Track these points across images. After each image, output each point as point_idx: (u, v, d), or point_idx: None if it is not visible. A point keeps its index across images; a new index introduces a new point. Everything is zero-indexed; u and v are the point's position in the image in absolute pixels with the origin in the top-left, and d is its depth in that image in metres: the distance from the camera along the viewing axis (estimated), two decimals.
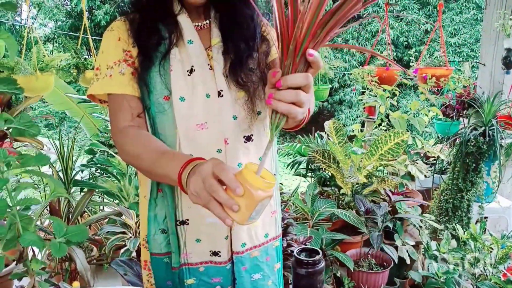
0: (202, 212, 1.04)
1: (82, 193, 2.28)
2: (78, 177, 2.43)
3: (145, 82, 1.00)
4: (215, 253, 1.08)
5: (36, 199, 0.69)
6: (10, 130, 0.73)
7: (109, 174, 2.46)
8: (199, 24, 1.06)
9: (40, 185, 2.51)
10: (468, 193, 2.45)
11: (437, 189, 2.69)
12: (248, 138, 1.05)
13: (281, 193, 2.24)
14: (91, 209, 2.55)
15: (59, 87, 3.35)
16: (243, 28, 1.03)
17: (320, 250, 0.99)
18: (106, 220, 2.32)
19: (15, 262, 0.64)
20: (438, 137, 2.90)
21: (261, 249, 1.12)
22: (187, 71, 1.01)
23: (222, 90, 1.02)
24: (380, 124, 2.88)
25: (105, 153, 2.54)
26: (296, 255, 0.97)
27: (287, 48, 0.68)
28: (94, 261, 2.37)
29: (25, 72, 2.21)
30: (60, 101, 3.42)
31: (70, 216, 2.20)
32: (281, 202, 2.10)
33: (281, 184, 2.90)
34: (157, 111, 1.00)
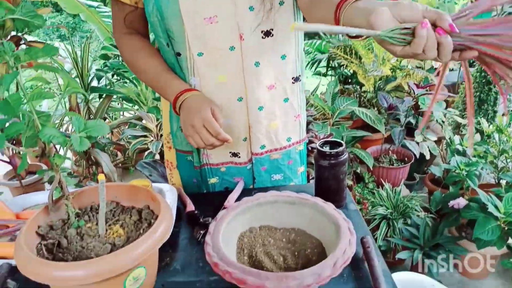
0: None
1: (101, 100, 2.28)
2: (95, 84, 2.42)
3: None
4: (234, 154, 1.07)
5: (50, 93, 0.66)
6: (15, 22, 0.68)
7: (125, 80, 2.43)
8: None
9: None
10: (496, 86, 2.35)
11: (463, 82, 2.59)
12: (267, 33, 0.93)
13: None
14: (112, 116, 2.58)
15: None
16: None
17: (342, 142, 0.97)
18: (127, 126, 2.36)
19: (38, 159, 0.64)
20: None
21: (282, 152, 1.09)
22: None
23: None
24: None
25: (119, 58, 2.48)
26: (319, 147, 0.95)
27: None
28: (120, 165, 2.46)
29: None
30: (73, 4, 3.28)
31: None
32: None
33: None
34: (163, 6, 0.91)
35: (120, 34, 1.01)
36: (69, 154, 2.51)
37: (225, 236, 0.74)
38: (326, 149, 0.94)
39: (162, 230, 0.65)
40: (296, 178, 1.15)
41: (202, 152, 1.07)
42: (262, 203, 0.82)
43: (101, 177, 0.63)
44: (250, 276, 0.63)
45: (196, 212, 0.98)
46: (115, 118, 2.51)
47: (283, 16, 0.94)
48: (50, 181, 0.73)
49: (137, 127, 2.08)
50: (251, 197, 0.83)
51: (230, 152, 1.07)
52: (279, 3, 0.93)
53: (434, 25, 0.59)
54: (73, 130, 0.65)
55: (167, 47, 0.96)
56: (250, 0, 0.90)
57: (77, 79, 2.21)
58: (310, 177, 1.78)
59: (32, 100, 0.64)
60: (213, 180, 1.11)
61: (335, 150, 0.93)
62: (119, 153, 2.43)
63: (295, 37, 1.00)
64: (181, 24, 0.91)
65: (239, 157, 1.07)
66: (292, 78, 1.03)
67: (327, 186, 0.97)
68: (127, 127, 2.33)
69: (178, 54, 0.97)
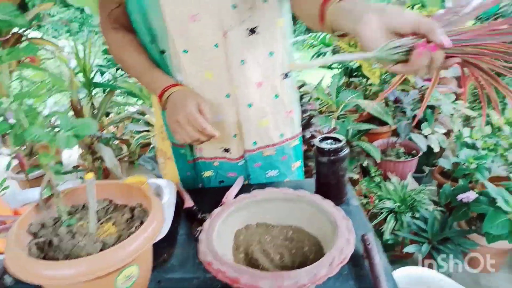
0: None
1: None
2: (99, 80, 2.41)
3: None
4: (226, 150, 1.06)
5: (35, 92, 0.65)
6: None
7: (128, 75, 2.41)
8: None
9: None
10: (506, 77, 2.28)
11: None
12: (252, 31, 0.92)
13: (302, 86, 2.15)
14: (116, 110, 2.58)
15: None
16: None
17: (342, 137, 0.94)
18: (131, 120, 2.35)
19: (27, 158, 0.62)
20: (477, 18, 2.63)
21: (276, 148, 1.07)
22: None
23: None
24: (412, 7, 2.63)
25: None
26: (317, 144, 0.93)
27: None
28: (126, 158, 2.46)
29: None
30: None
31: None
32: (304, 95, 2.02)
33: (303, 80, 2.78)
34: (145, 4, 0.89)
35: (107, 29, 0.99)
36: (76, 148, 2.52)
37: (220, 234, 0.73)
38: (326, 145, 0.92)
39: (153, 228, 0.64)
40: (291, 174, 1.13)
41: (195, 146, 1.06)
42: (259, 200, 0.80)
43: (88, 176, 0.62)
44: (243, 275, 0.61)
45: (194, 208, 0.97)
46: (119, 113, 2.50)
47: (268, 13, 0.93)
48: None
49: (140, 121, 2.07)
50: (247, 194, 0.81)
51: (221, 148, 1.06)
52: (263, 0, 0.91)
53: (426, 38, 0.55)
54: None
55: (151, 45, 0.95)
56: None
57: (80, 75, 2.21)
58: (313, 172, 1.76)
59: (18, 99, 0.63)
60: (207, 173, 1.10)
61: (334, 146, 0.90)
62: (125, 147, 2.43)
63: (282, 32, 0.97)
64: (164, 22, 0.89)
65: (230, 153, 1.06)
66: (281, 74, 1.01)
67: (327, 182, 0.95)
68: (130, 121, 2.33)
69: (163, 52, 0.95)
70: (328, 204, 0.76)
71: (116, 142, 2.40)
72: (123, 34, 0.98)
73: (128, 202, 0.75)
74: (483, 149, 1.96)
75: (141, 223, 0.69)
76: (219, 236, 0.72)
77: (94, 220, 0.66)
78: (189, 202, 0.99)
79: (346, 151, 0.93)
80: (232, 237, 0.77)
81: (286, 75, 1.02)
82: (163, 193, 0.98)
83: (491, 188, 1.57)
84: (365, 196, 1.93)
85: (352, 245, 0.67)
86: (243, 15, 0.89)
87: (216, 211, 0.77)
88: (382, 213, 1.83)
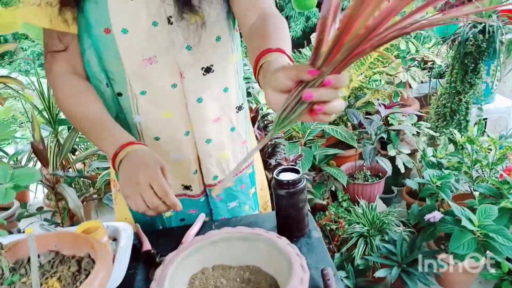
0: (165, 149, 0.98)
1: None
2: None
3: (83, 14, 0.85)
4: (186, 187, 1.05)
5: None
6: None
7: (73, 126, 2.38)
8: None
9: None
10: (466, 95, 2.36)
11: (434, 94, 2.60)
12: (208, 70, 0.94)
13: (267, 114, 2.16)
14: (83, 147, 2.53)
15: None
16: None
17: (300, 169, 0.94)
18: (97, 157, 2.30)
19: None
20: (437, 39, 2.73)
21: (235, 179, 1.08)
22: None
23: (171, 17, 0.87)
24: None
25: None
26: (275, 176, 0.93)
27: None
28: (96, 196, 2.40)
29: None
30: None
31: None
32: (270, 123, 2.04)
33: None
34: (101, 47, 0.88)
35: (55, 73, 0.92)
36: (41, 188, 2.45)
37: (174, 280, 0.71)
38: (283, 177, 0.92)
39: (99, 280, 0.62)
40: (249, 201, 1.14)
41: None
42: (214, 241, 0.79)
43: (28, 230, 0.60)
44: None
45: (152, 251, 0.94)
46: (87, 149, 2.46)
47: (221, 51, 0.95)
48: (19, 218, 0.69)
49: (106, 158, 2.03)
50: (202, 235, 0.80)
51: (181, 185, 1.05)
52: (216, 39, 0.93)
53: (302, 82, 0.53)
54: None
55: (106, 87, 0.94)
56: (188, 40, 0.90)
57: (44, 112, 2.17)
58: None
59: None
60: (167, 214, 1.08)
61: (292, 178, 0.90)
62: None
63: (235, 68, 1.01)
64: (121, 64, 0.89)
65: (191, 190, 1.05)
66: (236, 108, 1.04)
67: (287, 215, 0.94)
68: (96, 158, 2.28)
69: (119, 94, 0.95)
70: (283, 242, 0.76)
71: (85, 179, 2.35)
72: (76, 79, 0.91)
73: (76, 252, 0.72)
74: (447, 168, 2.00)
75: (87, 276, 0.66)
76: (172, 283, 0.70)
77: (37, 278, 0.63)
78: (146, 245, 0.96)
79: (304, 182, 0.93)
80: (187, 282, 0.75)
81: (240, 108, 1.05)
82: (120, 236, 0.95)
83: (454, 207, 1.59)
84: (335, 222, 1.93)
85: (306, 284, 0.66)
86: (198, 55, 0.92)
87: (169, 256, 0.75)
88: (352, 237, 1.83)
